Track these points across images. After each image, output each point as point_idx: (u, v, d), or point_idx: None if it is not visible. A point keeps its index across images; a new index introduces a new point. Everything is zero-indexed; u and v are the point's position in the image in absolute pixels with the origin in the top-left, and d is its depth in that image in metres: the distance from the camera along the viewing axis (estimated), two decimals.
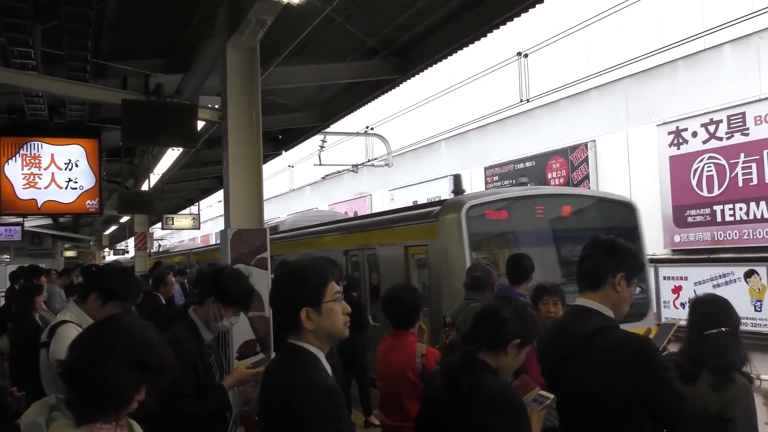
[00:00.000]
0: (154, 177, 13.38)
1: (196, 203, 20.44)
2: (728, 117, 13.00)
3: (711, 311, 3.22)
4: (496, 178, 19.85)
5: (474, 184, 19.73)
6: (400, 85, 9.71)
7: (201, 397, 3.36)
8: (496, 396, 2.43)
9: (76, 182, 9.64)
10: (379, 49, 8.73)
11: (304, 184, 30.76)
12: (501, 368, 2.59)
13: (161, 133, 6.46)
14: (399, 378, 3.89)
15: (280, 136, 13.88)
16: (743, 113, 12.77)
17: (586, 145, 16.71)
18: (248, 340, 6.13)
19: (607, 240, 2.82)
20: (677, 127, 14.16)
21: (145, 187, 13.88)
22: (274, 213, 32.46)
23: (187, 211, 22.50)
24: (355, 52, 8.94)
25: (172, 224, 17.28)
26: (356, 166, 18.48)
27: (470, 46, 8.01)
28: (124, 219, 23.19)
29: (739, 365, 3.09)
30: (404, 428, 3.69)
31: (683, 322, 3.37)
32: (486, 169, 20.29)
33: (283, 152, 14.69)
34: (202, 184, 16.51)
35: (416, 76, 9.31)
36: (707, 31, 7.86)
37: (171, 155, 11.52)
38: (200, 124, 7.54)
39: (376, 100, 10.52)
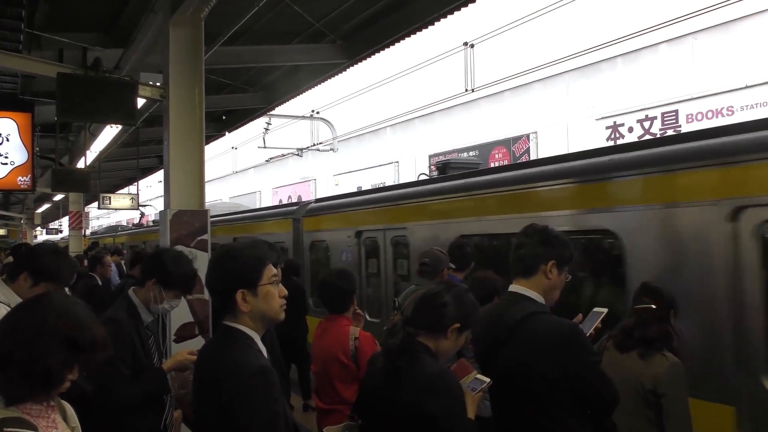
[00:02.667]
0: (91, 155, 12.95)
1: (136, 183, 19.90)
2: (662, 114, 13.51)
3: (645, 290, 3.53)
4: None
5: (419, 172, 19.87)
6: (347, 70, 9.67)
7: (139, 379, 3.32)
8: (434, 377, 2.50)
9: (6, 157, 9.23)
10: (327, 33, 8.67)
11: (248, 166, 30.33)
12: (440, 351, 2.66)
13: (99, 109, 6.25)
14: (331, 361, 3.93)
15: (224, 117, 13.64)
16: (676, 111, 13.29)
17: (528, 136, 17.06)
18: (186, 322, 6.05)
19: (540, 228, 2.92)
20: (615, 122, 14.62)
21: (81, 164, 13.41)
22: (217, 195, 31.91)
23: (125, 190, 21.87)
24: (302, 35, 8.85)
25: (109, 204, 16.77)
26: (301, 150, 18.33)
27: (417, 34, 8.05)
28: (58, 197, 22.38)
29: (662, 340, 3.32)
30: (337, 411, 3.74)
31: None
32: (430, 156, 20.49)
33: (227, 133, 14.43)
34: (142, 163, 16.08)
35: (363, 61, 9.30)
36: (643, 31, 8.12)
37: (109, 132, 11.17)
38: (141, 102, 7.34)
39: (322, 84, 10.45)
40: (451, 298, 2.68)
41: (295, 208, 11.37)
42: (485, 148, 18.33)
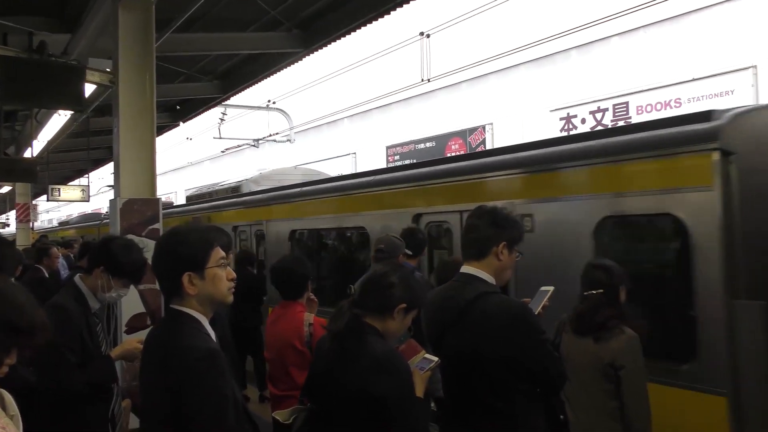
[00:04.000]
0: (39, 144, 12.55)
1: (87, 175, 19.40)
2: (614, 105, 13.81)
3: (594, 275, 3.59)
4: (397, 157, 20.12)
5: (376, 163, 19.90)
6: (303, 59, 9.60)
7: (86, 367, 3.25)
8: (381, 358, 2.51)
9: None
10: (283, 21, 8.58)
11: (203, 157, 29.86)
12: (387, 332, 2.67)
13: (44, 94, 6.06)
14: (286, 347, 3.92)
15: (178, 107, 13.40)
16: (627, 103, 13.59)
17: (484, 127, 17.23)
18: (138, 313, 5.95)
19: (490, 210, 2.96)
20: (568, 114, 14.88)
21: (28, 154, 13.01)
22: (172, 187, 31.35)
23: (77, 182, 21.31)
24: (258, 22, 8.75)
25: (59, 196, 16.30)
26: (257, 141, 18.13)
27: (374, 23, 8.04)
28: (5, 189, 21.67)
29: (605, 321, 3.45)
30: (292, 397, 3.73)
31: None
32: (388, 147, 20.52)
33: (181, 123, 14.19)
34: (93, 154, 15.67)
35: (320, 50, 9.24)
36: (595, 22, 8.28)
37: (57, 121, 10.84)
38: (90, 88, 7.16)
39: (278, 73, 10.35)
40: (398, 278, 2.69)
41: None
42: (442, 139, 18.45)
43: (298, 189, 9.03)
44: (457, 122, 18.07)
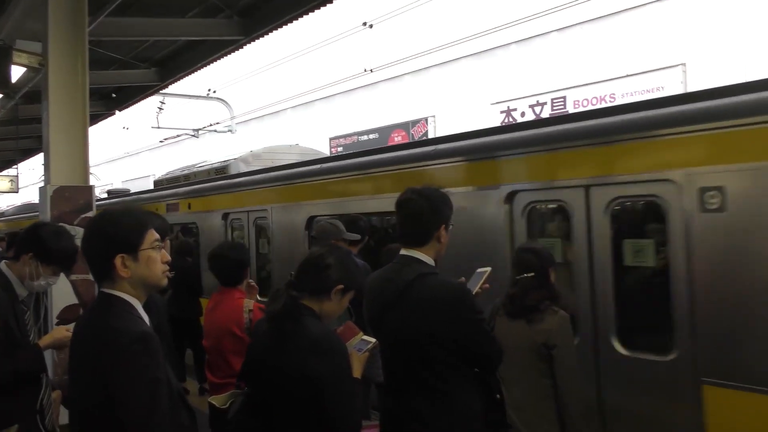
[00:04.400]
0: None
1: (16, 166, 18.60)
2: (552, 100, 14.14)
3: (524, 258, 3.68)
4: (340, 148, 20.07)
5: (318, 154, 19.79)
6: (244, 47, 9.45)
7: (11, 356, 3.12)
8: (317, 339, 2.51)
9: None
10: (223, 7, 8.42)
11: (141, 147, 29.07)
12: (325, 313, 2.67)
13: None
14: (224, 334, 3.88)
15: (114, 95, 12.98)
16: (564, 97, 13.95)
17: (426, 119, 17.36)
18: (70, 305, 5.76)
19: (427, 195, 2.93)
20: (508, 107, 15.15)
21: None
22: (108, 178, 30.40)
23: (5, 173, 20.41)
24: (197, 8, 8.55)
25: None
26: (197, 130, 17.77)
27: (316, 12, 7.97)
28: None
29: (536, 303, 3.57)
30: (230, 384, 3.68)
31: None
32: (331, 139, 20.45)
33: (117, 112, 13.76)
34: (22, 144, 15.04)
35: (261, 38, 9.11)
36: (533, 16, 8.46)
37: None
38: (18, 72, 6.86)
39: (219, 61, 10.16)
40: (334, 260, 2.70)
41: None
42: (385, 131, 18.50)
43: (326, 165, 7.11)
44: (401, 114, 18.15)
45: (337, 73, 14.37)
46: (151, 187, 13.38)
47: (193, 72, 10.80)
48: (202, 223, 9.62)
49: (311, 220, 6.92)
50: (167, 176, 12.64)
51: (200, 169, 11.46)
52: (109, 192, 16.08)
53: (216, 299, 4.12)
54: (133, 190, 15.76)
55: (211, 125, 17.64)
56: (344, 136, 19.94)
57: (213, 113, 18.47)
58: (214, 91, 16.87)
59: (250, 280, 4.15)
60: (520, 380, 3.62)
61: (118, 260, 2.21)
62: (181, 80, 11.61)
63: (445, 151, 5.60)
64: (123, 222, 2.26)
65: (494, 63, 15.66)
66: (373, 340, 2.86)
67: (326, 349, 2.49)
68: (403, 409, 2.85)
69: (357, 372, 2.69)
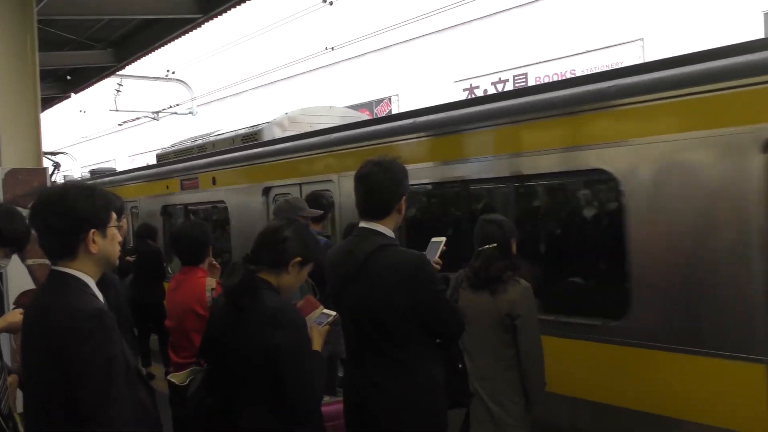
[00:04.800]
0: None
1: None
2: (514, 77, 14.22)
3: (486, 229, 3.71)
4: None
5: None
6: (202, 25, 9.27)
7: None
8: (275, 311, 2.50)
9: None
10: None
11: (99, 131, 28.41)
12: (283, 287, 2.67)
13: None
14: (187, 313, 3.84)
15: (69, 77, 12.64)
16: (526, 74, 14.04)
17: (390, 98, 17.32)
18: (27, 290, 5.63)
19: (387, 167, 2.92)
20: (471, 85, 15.19)
21: None
22: (67, 164, 29.65)
23: None
24: None
25: None
26: (157, 113, 17.43)
27: None
28: None
29: (499, 274, 3.61)
30: (193, 364, 3.67)
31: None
32: None
33: (73, 94, 13.41)
34: None
35: (219, 17, 8.95)
36: None
37: None
38: None
39: (177, 41, 9.95)
40: (292, 232, 2.69)
41: None
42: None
43: (420, 120, 5.50)
44: (364, 94, 18.07)
45: (299, 52, 14.20)
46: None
47: (150, 52, 10.56)
48: (233, 201, 8.02)
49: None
50: (174, 149, 10.93)
51: (221, 137, 9.74)
52: (92, 172, 15.02)
53: (178, 279, 4.09)
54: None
55: (171, 107, 17.32)
56: None
57: (173, 95, 18.13)
58: (173, 72, 16.55)
59: (213, 260, 4.12)
60: (484, 351, 3.67)
61: (90, 235, 2.19)
62: (139, 61, 11.36)
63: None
64: (96, 198, 2.25)
65: (456, 40, 15.67)
66: (333, 313, 2.87)
67: (284, 322, 2.49)
68: (366, 381, 2.87)
69: (317, 345, 2.70)
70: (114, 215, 2.31)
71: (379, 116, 6.80)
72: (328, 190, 6.14)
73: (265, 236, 2.71)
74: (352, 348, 3.02)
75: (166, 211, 9.93)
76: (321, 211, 5.24)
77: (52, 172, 14.55)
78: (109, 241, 2.26)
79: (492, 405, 3.62)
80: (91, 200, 2.23)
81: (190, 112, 17.42)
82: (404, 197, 2.94)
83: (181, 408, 2.69)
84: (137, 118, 18.92)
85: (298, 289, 4.08)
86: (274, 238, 2.67)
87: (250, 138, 8.52)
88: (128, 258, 7.87)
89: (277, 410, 2.50)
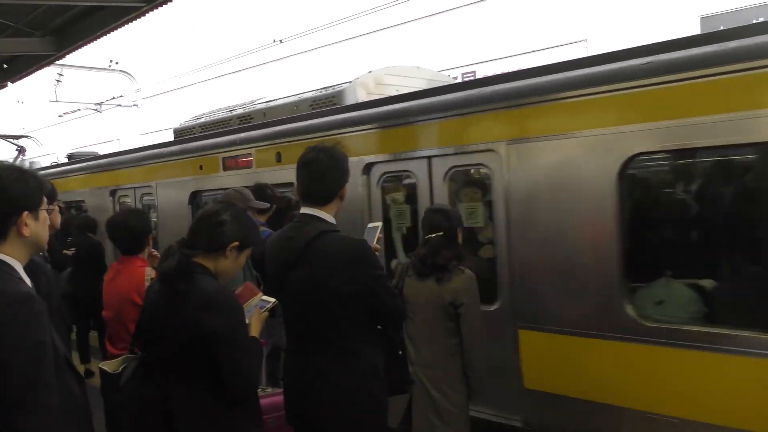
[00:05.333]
0: None
1: None
2: (462, 74, 14.39)
3: (433, 219, 3.77)
4: None
5: None
6: (147, 14, 9.04)
7: None
8: (211, 295, 2.46)
9: None
10: None
11: (38, 124, 27.46)
12: (220, 272, 2.62)
13: None
14: (125, 303, 3.76)
15: (6, 65, 12.17)
16: (474, 72, 14.23)
17: None
18: None
19: (331, 155, 2.92)
20: None
21: None
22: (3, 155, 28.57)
23: None
24: None
25: None
26: (100, 104, 16.92)
27: None
28: None
29: (447, 262, 3.66)
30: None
31: None
32: None
33: (9, 84, 12.91)
34: None
35: (164, 6, 8.74)
36: None
37: None
38: None
39: (121, 30, 9.68)
40: (229, 216, 2.65)
41: None
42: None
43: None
44: (316, 87, 17.95)
45: (247, 45, 14.04)
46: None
47: (92, 41, 10.25)
48: None
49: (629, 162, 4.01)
50: (200, 121, 8.99)
51: (275, 103, 7.83)
52: (70, 156, 13.37)
53: (116, 269, 4.00)
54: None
55: (114, 98, 16.83)
56: None
57: (117, 87, 17.63)
58: (117, 63, 16.10)
59: (153, 249, 4.04)
60: (429, 339, 3.71)
61: (24, 217, 2.15)
62: (80, 50, 11.01)
63: None
64: (28, 178, 2.21)
65: (406, 37, 15.75)
66: (273, 299, 2.85)
67: (220, 306, 2.45)
68: (308, 368, 2.85)
69: (255, 331, 2.67)
70: (45, 198, 2.26)
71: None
72: (481, 165, 4.93)
73: (202, 220, 2.66)
74: (293, 335, 3.00)
75: (199, 197, 7.97)
76: (267, 204, 5.20)
77: (16, 157, 13.79)
78: (41, 224, 2.23)
79: (434, 392, 3.66)
80: (24, 182, 2.19)
81: (135, 105, 16.99)
82: (346, 185, 2.94)
83: (114, 397, 2.62)
84: (78, 110, 18.35)
85: (241, 275, 4.04)
86: (211, 222, 2.63)
87: (325, 102, 6.89)
88: (66, 251, 7.63)
89: (214, 396, 2.46)
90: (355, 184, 5.41)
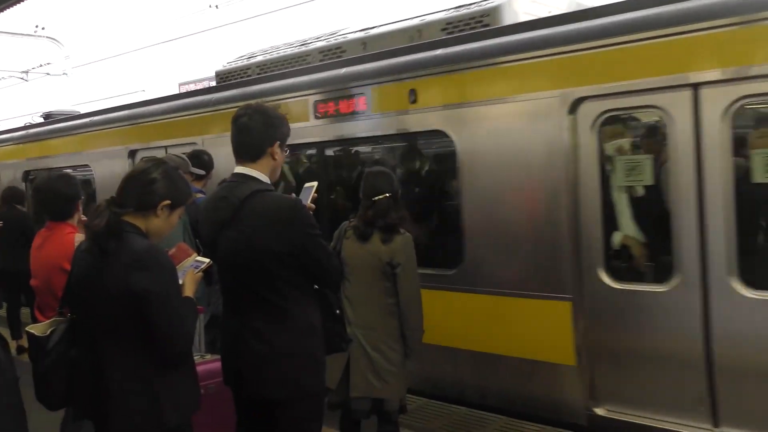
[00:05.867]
0: None
1: None
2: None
3: (376, 182, 3.80)
4: None
5: None
6: None
7: None
8: (142, 253, 2.41)
9: None
10: None
11: None
12: (151, 231, 2.56)
13: None
14: (54, 270, 3.62)
15: None
16: None
17: None
18: None
19: (261, 110, 2.92)
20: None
21: None
22: None
23: None
24: None
25: None
26: (26, 72, 16.12)
27: None
28: None
29: (397, 222, 3.74)
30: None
31: None
32: (180, 84, 19.51)
33: None
34: None
35: None
36: None
37: None
38: None
39: None
40: (160, 174, 2.58)
41: None
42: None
43: None
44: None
45: (183, 10, 13.56)
46: None
47: (14, 4, 9.74)
48: (476, 130, 4.87)
49: None
50: (257, 59, 7.33)
51: (383, 30, 6.18)
52: (46, 115, 11.31)
53: (44, 235, 3.86)
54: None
55: (41, 66, 16.05)
56: (194, 81, 19.05)
57: (45, 54, 16.82)
58: (43, 28, 15.31)
59: (83, 215, 3.91)
60: (366, 300, 3.75)
61: None
62: (3, 13, 10.44)
63: None
64: None
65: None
66: (207, 260, 2.82)
67: (151, 264, 2.40)
68: (243, 328, 2.84)
69: (189, 291, 2.64)
70: None
71: None
72: None
73: (131, 178, 2.58)
74: (229, 296, 2.98)
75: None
76: (203, 171, 5.12)
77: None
78: None
79: (372, 352, 3.71)
80: None
81: (65, 74, 16.27)
82: (278, 143, 2.92)
83: (43, 361, 2.55)
84: (1, 78, 17.45)
85: (181, 238, 3.98)
86: (141, 180, 2.55)
87: (470, 23, 5.40)
88: None
89: (147, 357, 2.43)
90: (551, 129, 4.44)
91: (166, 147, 7.26)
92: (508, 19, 5.22)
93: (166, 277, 2.42)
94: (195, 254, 2.86)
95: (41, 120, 11.06)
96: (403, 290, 3.71)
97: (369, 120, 5.39)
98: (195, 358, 3.00)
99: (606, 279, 4.34)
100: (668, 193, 4.10)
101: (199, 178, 5.07)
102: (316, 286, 3.02)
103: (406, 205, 3.97)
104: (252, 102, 2.97)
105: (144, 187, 2.53)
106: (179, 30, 15.28)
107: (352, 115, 5.48)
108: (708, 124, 3.88)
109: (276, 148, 2.91)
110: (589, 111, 4.30)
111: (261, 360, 2.80)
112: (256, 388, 2.85)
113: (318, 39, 6.89)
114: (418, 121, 5.12)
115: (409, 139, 5.54)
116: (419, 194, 5.63)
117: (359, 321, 3.74)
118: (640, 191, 4.33)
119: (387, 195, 3.76)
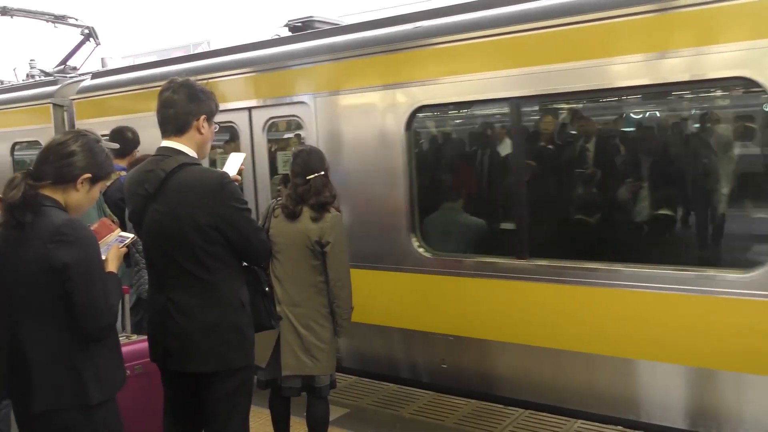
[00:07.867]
0: None
1: None
2: None
3: (311, 159, 3.79)
4: None
5: None
6: None
7: None
8: (61, 227, 2.32)
9: None
10: None
11: None
12: (71, 205, 2.47)
13: None
14: None
15: None
16: None
17: (209, 42, 16.62)
18: None
19: (185, 83, 2.88)
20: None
21: None
22: None
23: None
24: None
25: None
26: None
27: None
28: None
29: (331, 201, 3.76)
30: None
31: None
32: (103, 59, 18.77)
33: None
34: None
35: None
36: None
37: None
38: None
39: None
40: (80, 146, 2.48)
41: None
42: (165, 54, 17.42)
43: None
44: (180, 38, 17.17)
45: None
46: None
47: None
48: None
49: None
50: None
51: None
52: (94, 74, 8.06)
53: None
54: None
55: None
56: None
57: None
58: None
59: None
60: (295, 279, 3.75)
61: None
62: None
63: None
64: None
65: None
66: (131, 235, 2.76)
67: (71, 237, 2.31)
68: (170, 304, 2.81)
69: (113, 266, 2.57)
70: None
71: None
72: None
73: (49, 150, 2.47)
74: (155, 270, 2.94)
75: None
76: (117, 145, 4.97)
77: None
78: None
79: (301, 329, 3.72)
80: None
81: None
82: (205, 117, 2.89)
83: None
84: None
85: (96, 215, 3.85)
86: (60, 153, 2.45)
87: None
88: None
89: (69, 335, 2.35)
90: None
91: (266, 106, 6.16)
92: None
93: (87, 251, 2.34)
94: (118, 230, 2.79)
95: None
96: (333, 268, 3.73)
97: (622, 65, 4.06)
98: (121, 338, 2.94)
99: None
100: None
101: (121, 156, 4.91)
102: (245, 263, 3.01)
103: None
104: (177, 77, 2.92)
105: (62, 159, 2.43)
106: None
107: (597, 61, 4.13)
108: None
109: (202, 122, 2.88)
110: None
111: (187, 334, 2.79)
112: (182, 363, 2.83)
113: None
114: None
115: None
116: None
117: (288, 299, 3.74)
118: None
119: (321, 173, 3.78)
